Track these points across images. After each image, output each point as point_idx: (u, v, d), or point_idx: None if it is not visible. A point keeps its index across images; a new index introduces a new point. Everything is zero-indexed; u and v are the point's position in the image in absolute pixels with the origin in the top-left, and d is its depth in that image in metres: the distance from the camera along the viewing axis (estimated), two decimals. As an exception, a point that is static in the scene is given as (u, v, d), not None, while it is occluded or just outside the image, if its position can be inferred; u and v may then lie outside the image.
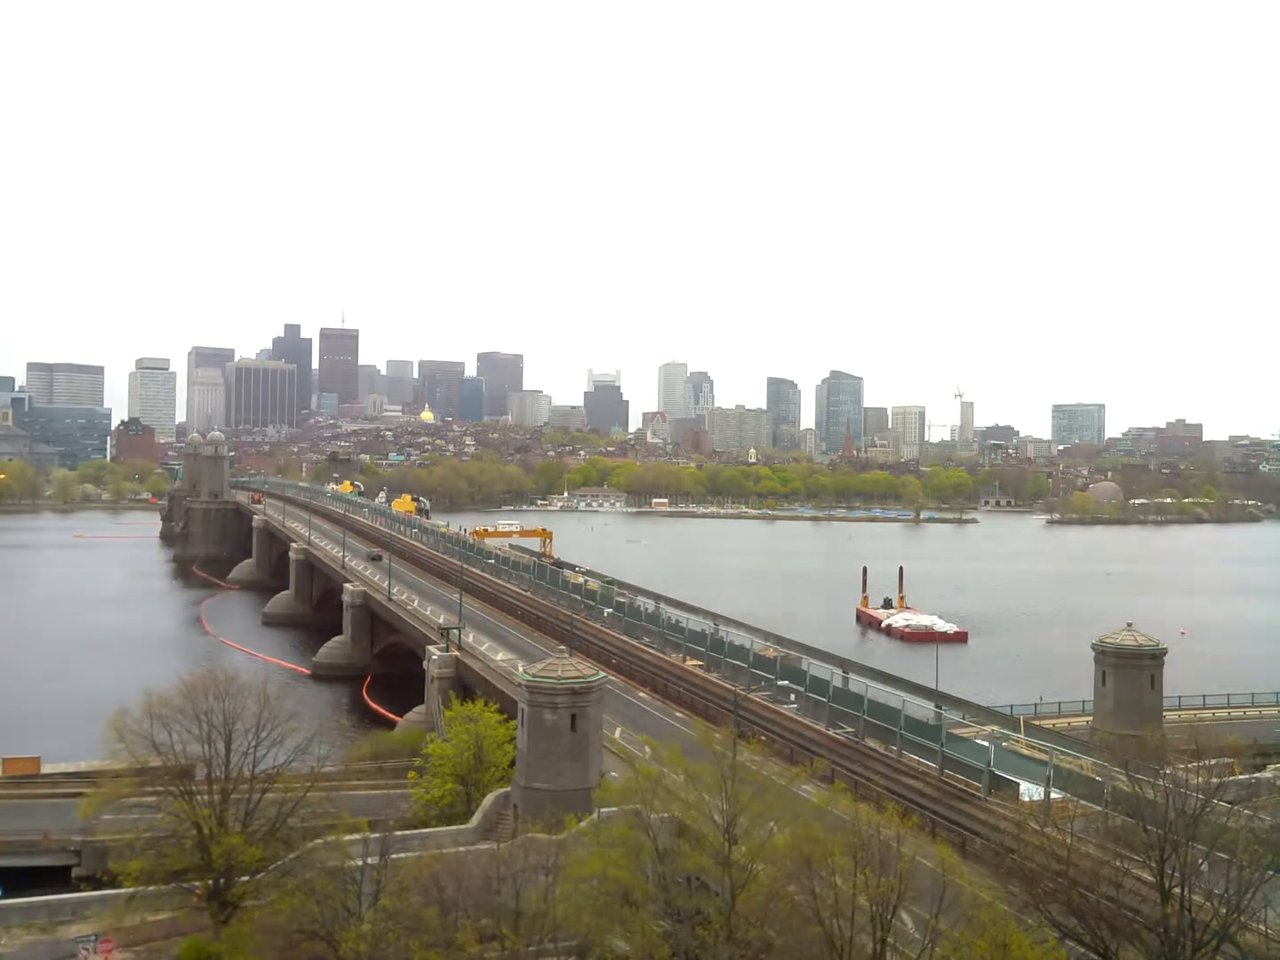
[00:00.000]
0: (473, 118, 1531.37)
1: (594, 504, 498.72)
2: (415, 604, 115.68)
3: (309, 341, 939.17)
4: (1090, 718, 74.52)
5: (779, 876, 35.81)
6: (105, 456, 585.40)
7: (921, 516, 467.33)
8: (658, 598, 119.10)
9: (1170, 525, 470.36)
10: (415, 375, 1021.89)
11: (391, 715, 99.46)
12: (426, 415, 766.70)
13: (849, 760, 58.66)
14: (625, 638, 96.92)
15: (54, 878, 56.84)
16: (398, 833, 48.76)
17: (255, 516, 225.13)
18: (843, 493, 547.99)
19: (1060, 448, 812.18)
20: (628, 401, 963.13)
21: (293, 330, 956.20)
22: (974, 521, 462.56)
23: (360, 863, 42.32)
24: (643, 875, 39.45)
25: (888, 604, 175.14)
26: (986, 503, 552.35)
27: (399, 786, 64.77)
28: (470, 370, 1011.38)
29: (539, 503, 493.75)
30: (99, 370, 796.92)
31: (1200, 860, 34.29)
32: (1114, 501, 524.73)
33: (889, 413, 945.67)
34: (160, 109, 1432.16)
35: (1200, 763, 37.72)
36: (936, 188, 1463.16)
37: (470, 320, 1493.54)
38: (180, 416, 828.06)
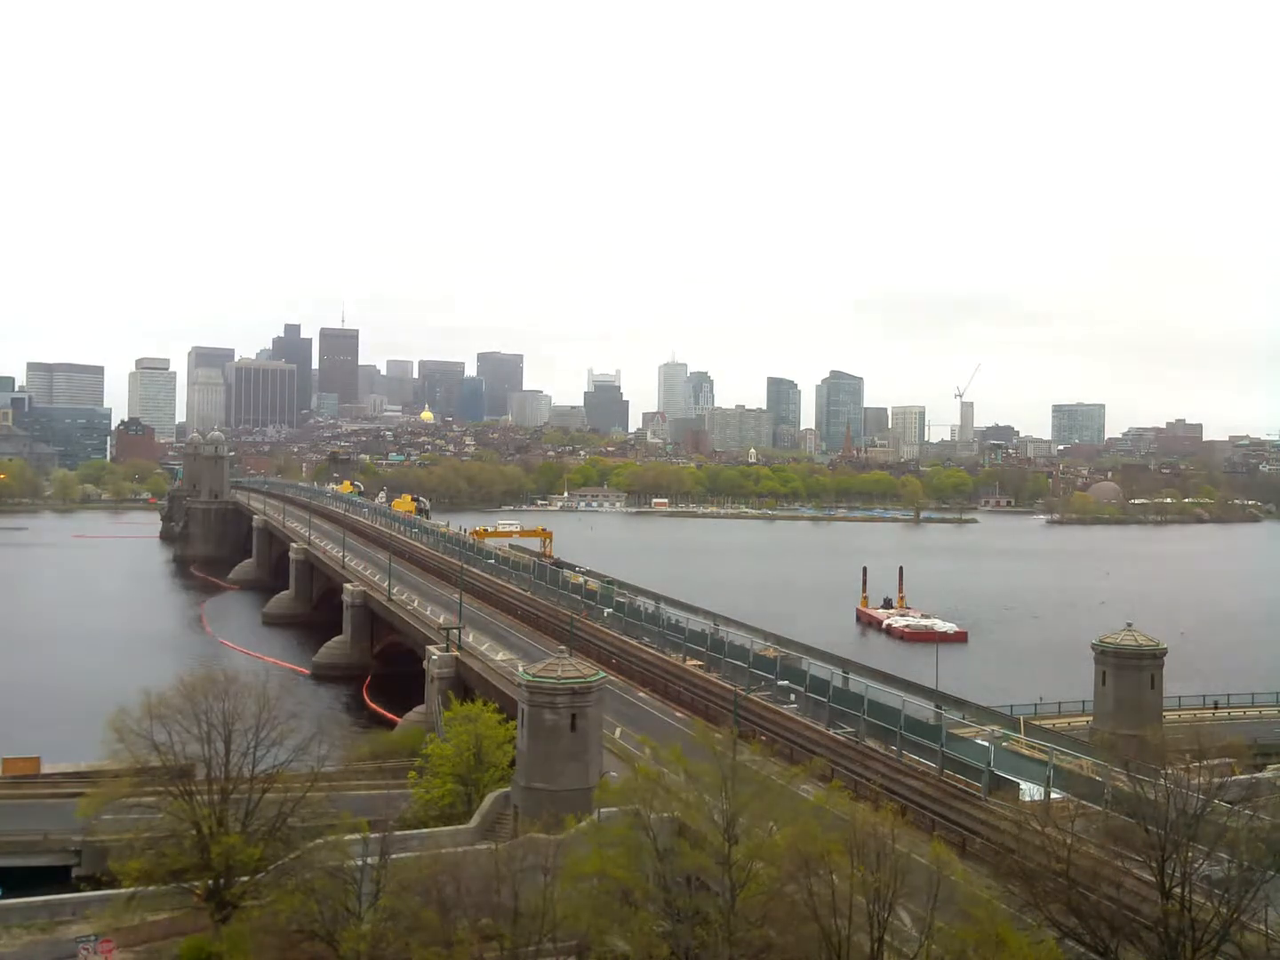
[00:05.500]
0: (473, 118, 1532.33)
1: (594, 504, 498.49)
2: (415, 604, 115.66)
3: (309, 341, 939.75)
4: (1090, 718, 74.56)
5: (778, 876, 35.82)
6: (105, 456, 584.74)
7: (921, 516, 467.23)
8: (658, 598, 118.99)
9: (1170, 525, 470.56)
10: (415, 375, 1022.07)
11: (391, 715, 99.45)
12: (426, 415, 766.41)
13: (849, 760, 58.64)
14: (625, 638, 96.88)
15: (54, 878, 56.81)
16: (397, 833, 48.75)
17: (255, 516, 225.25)
18: (843, 493, 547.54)
19: (1060, 448, 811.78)
20: (628, 401, 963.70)
21: (293, 330, 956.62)
22: (974, 521, 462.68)
23: (360, 863, 42.31)
24: (642, 875, 39.45)
25: (888, 604, 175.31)
26: (986, 503, 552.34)
27: (399, 786, 64.74)
28: (470, 370, 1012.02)
29: (539, 503, 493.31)
30: (99, 370, 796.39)
31: (1200, 860, 34.30)
32: (1114, 501, 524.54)
33: (889, 413, 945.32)
34: (161, 109, 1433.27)
35: (1200, 763, 37.71)
36: (936, 188, 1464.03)
37: (470, 320, 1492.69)
38: (180, 416, 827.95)
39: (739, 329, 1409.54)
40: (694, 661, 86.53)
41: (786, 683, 74.69)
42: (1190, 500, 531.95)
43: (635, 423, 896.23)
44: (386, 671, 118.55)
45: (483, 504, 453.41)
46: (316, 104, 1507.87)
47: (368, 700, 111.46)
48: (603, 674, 59.52)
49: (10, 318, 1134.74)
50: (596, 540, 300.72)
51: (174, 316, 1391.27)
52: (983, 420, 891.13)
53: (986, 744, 56.80)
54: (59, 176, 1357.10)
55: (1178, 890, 33.50)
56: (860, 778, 53.87)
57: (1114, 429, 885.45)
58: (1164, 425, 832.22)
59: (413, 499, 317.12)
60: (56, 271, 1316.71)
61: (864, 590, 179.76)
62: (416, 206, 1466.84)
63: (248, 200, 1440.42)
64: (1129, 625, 72.85)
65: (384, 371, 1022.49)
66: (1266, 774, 57.10)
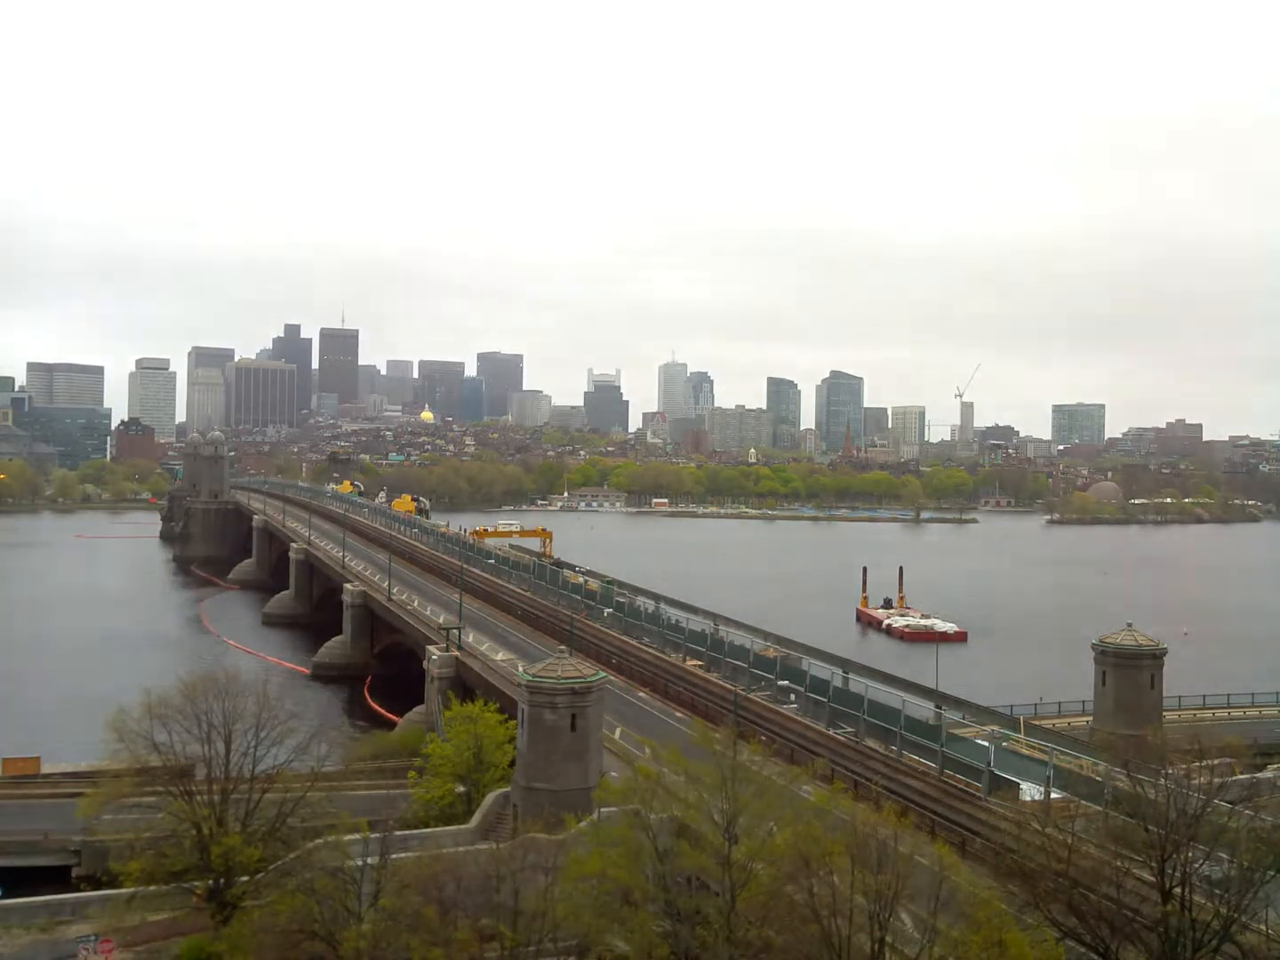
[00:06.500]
0: (472, 118, 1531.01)
1: (594, 504, 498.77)
2: (415, 604, 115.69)
3: (309, 341, 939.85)
4: (1090, 718, 74.57)
5: (778, 876, 35.82)
6: (105, 456, 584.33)
7: (921, 516, 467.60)
8: (658, 598, 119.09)
9: (1170, 525, 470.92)
10: (415, 375, 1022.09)
11: (391, 715, 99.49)
12: (426, 415, 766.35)
13: (849, 760, 58.67)
14: (625, 638, 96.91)
15: (54, 878, 56.81)
16: (398, 833, 48.75)
17: (255, 516, 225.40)
18: (843, 493, 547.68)
19: (1060, 448, 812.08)
20: (628, 401, 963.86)
21: (293, 330, 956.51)
22: (974, 521, 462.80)
23: (360, 863, 42.32)
24: (642, 875, 39.48)
25: (888, 604, 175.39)
26: (986, 503, 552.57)
27: (399, 786, 64.76)
28: (470, 370, 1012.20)
29: (539, 503, 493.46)
30: (99, 370, 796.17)
31: (1200, 860, 34.29)
32: (1114, 501, 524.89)
33: (889, 413, 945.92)
34: (161, 108, 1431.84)
35: (1200, 763, 37.72)
36: (934, 186, 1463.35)
37: (470, 320, 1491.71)
38: (180, 416, 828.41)
39: (739, 329, 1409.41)
40: (694, 661, 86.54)
41: (786, 683, 74.72)
42: (1190, 500, 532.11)
43: (635, 423, 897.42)
44: (386, 671, 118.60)
45: (483, 504, 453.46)
46: (318, 105, 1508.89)
47: (368, 700, 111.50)
48: (603, 674, 59.55)
49: (10, 318, 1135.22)
50: (596, 540, 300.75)
51: (174, 316, 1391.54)
52: (983, 420, 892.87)
53: (986, 744, 56.79)
54: (60, 177, 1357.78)
55: (1178, 890, 33.51)
56: (860, 778, 53.88)
57: (1114, 429, 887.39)
58: (1164, 425, 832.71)
59: (413, 499, 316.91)
60: (56, 271, 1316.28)
61: (864, 590, 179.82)
62: (416, 206, 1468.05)
63: (248, 200, 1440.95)
64: (1129, 625, 72.86)
65: (384, 371, 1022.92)
66: (1266, 774, 57.08)
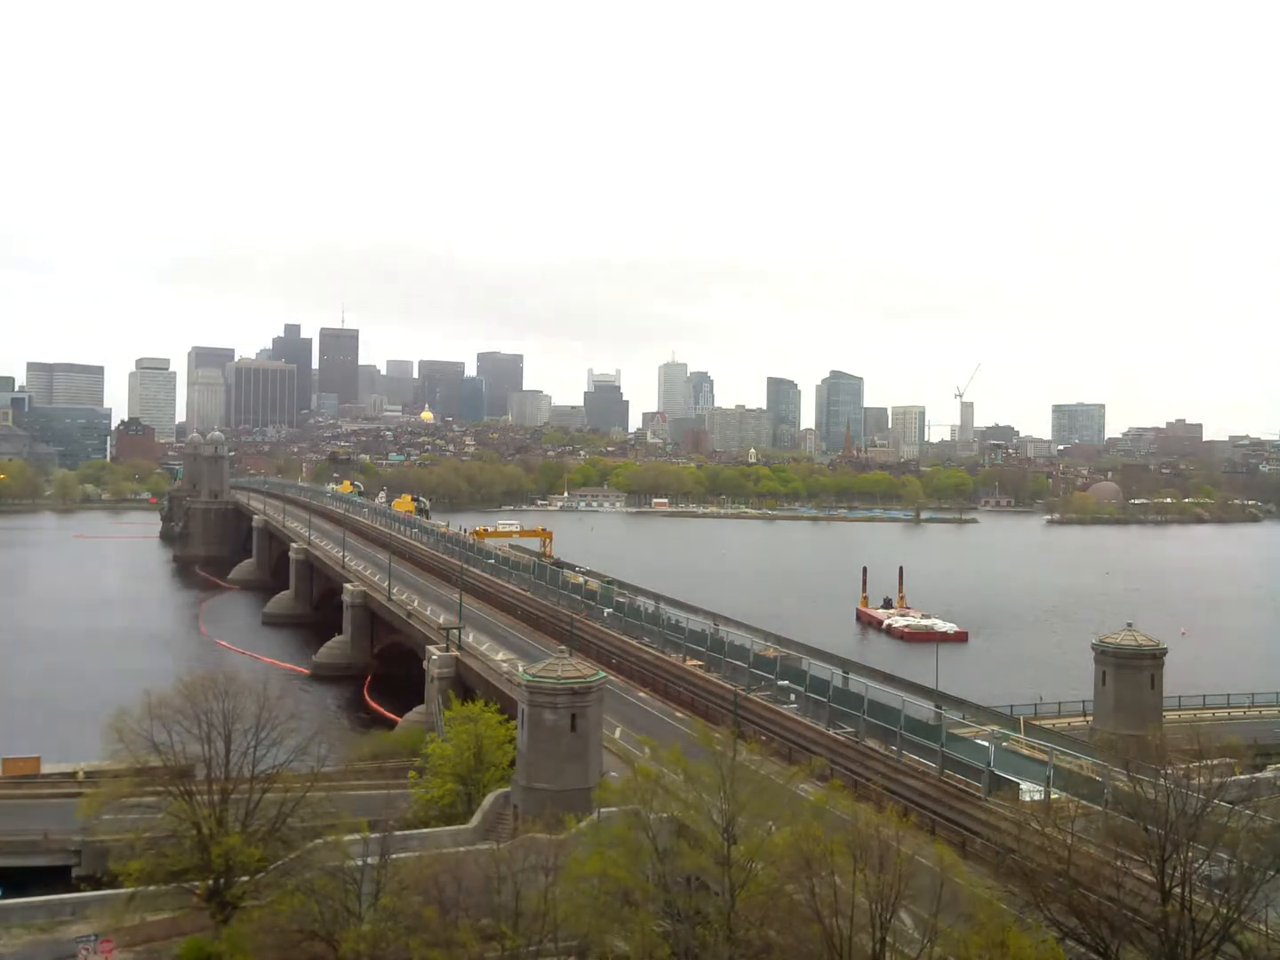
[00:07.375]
0: (473, 117, 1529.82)
1: (594, 504, 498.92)
2: (415, 604, 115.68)
3: (309, 341, 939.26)
4: (1090, 718, 74.59)
5: (778, 876, 35.83)
6: (105, 456, 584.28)
7: (921, 516, 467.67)
8: (658, 598, 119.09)
9: (1170, 525, 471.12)
10: (415, 375, 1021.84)
11: (391, 715, 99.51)
12: (426, 415, 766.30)
13: (849, 760, 58.66)
14: (625, 638, 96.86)
15: (54, 878, 56.82)
16: (398, 833, 48.80)
17: (255, 516, 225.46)
18: (843, 493, 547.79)
19: (1060, 448, 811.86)
20: (628, 401, 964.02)
21: (293, 330, 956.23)
22: (974, 521, 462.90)
23: (360, 863, 42.34)
24: (642, 875, 39.47)
25: (888, 604, 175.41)
26: (986, 503, 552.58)
27: (399, 786, 64.79)
28: (470, 370, 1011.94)
29: (539, 503, 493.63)
30: (99, 370, 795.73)
31: (1200, 860, 34.30)
32: (1114, 501, 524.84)
33: (889, 413, 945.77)
34: (160, 107, 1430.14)
35: (1200, 762, 37.71)
36: (933, 186, 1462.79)
37: (470, 320, 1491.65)
38: (180, 416, 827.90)
39: (739, 329, 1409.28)
40: (694, 661, 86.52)
41: (786, 683, 74.68)
42: (1190, 500, 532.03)
43: (635, 423, 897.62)
44: (386, 671, 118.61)
45: (483, 504, 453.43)
46: (318, 103, 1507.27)
47: (368, 700, 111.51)
48: (603, 674, 59.54)
49: (10, 318, 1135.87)
50: (596, 540, 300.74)
51: (174, 316, 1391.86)
52: (983, 420, 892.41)
53: (986, 744, 56.78)
54: (60, 177, 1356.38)
55: (1178, 890, 33.50)
56: (860, 778, 53.88)
57: (1114, 429, 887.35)
58: (1164, 425, 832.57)
59: (413, 499, 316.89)
60: (57, 271, 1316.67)
61: (864, 590, 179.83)
62: (417, 206, 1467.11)
63: (247, 200, 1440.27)
64: (1129, 625, 72.86)
65: (384, 371, 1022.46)
66: (1266, 774, 57.06)
